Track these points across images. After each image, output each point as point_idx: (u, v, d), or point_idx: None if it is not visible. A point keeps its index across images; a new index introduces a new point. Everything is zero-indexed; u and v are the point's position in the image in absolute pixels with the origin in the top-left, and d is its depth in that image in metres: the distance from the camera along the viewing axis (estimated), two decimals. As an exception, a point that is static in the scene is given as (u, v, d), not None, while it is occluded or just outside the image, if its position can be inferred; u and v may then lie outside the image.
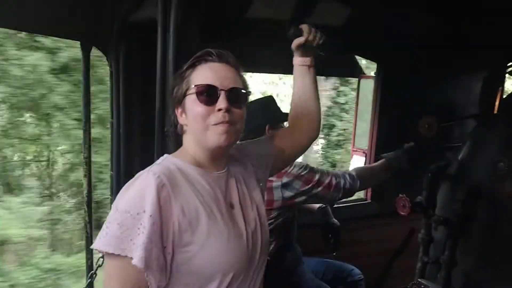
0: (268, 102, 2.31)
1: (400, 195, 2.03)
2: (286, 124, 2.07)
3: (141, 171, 1.19)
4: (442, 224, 2.04)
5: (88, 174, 2.08)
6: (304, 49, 1.52)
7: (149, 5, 1.83)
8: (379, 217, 3.13)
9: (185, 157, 1.26)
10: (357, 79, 3.44)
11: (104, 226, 1.10)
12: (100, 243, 1.08)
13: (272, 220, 2.14)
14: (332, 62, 3.08)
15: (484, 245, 2.01)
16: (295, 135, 1.57)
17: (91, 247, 1.12)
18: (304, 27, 1.49)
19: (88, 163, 2.07)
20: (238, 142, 1.42)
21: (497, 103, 2.37)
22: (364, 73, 3.43)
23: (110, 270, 1.12)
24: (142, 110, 2.02)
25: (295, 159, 1.97)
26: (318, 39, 1.50)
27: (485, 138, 2.14)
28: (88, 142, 2.09)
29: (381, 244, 3.19)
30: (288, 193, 2.12)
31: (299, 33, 1.48)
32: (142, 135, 2.03)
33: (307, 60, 1.54)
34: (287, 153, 1.57)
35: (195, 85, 1.20)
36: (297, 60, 1.55)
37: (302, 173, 2.14)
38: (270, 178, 2.05)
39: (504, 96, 2.68)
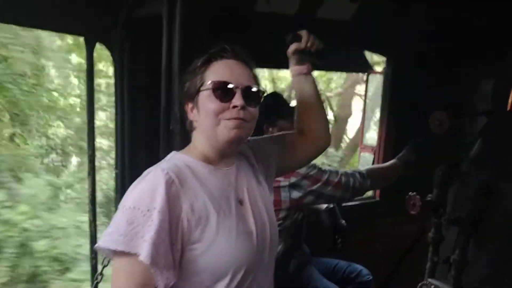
0: (266, 100, 2.28)
1: (410, 193, 1.99)
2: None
3: (149, 169, 1.19)
4: (453, 223, 2.00)
5: (92, 172, 2.06)
6: (300, 56, 1.50)
7: (154, 0, 1.81)
8: (388, 216, 3.09)
9: (194, 154, 1.25)
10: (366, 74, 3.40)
11: (110, 225, 1.09)
12: (108, 241, 1.07)
13: (280, 221, 2.12)
14: (341, 57, 3.07)
15: (496, 244, 1.97)
16: (301, 144, 1.55)
17: (96, 246, 1.11)
18: (303, 33, 1.48)
19: (92, 161, 2.05)
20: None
21: (510, 100, 2.32)
22: (372, 68, 3.38)
23: (118, 268, 1.11)
24: (147, 106, 2.00)
25: (301, 166, 1.96)
26: (317, 46, 1.48)
27: (498, 135, 2.10)
28: (92, 139, 2.07)
29: (390, 244, 3.15)
30: (296, 193, 2.09)
31: (297, 39, 1.47)
32: (147, 132, 2.01)
33: (303, 68, 1.52)
34: (293, 159, 1.56)
35: (211, 81, 1.19)
36: (293, 69, 1.53)
37: (311, 173, 2.11)
38: (278, 178, 2.02)
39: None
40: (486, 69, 3.05)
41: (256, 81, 1.29)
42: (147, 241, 1.05)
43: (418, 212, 2.04)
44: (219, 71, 1.22)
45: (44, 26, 2.20)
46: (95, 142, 2.08)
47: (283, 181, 2.08)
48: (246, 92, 1.21)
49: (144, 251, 1.05)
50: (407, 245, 3.27)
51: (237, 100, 1.18)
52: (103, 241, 1.09)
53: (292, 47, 1.49)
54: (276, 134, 1.62)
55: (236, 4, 2.18)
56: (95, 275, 2.00)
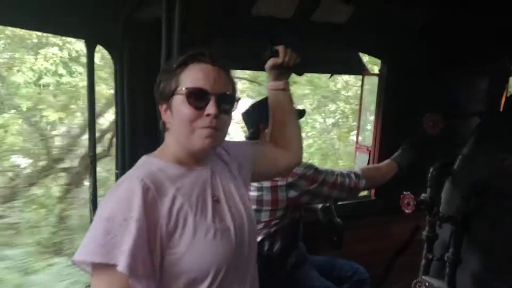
0: (264, 101, 2.31)
1: (405, 192, 2.02)
2: None
3: (123, 177, 1.19)
4: (446, 221, 2.03)
5: (93, 173, 2.08)
6: (279, 70, 1.51)
7: (154, 3, 1.83)
8: (383, 215, 3.13)
9: (166, 156, 1.25)
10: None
11: (87, 236, 1.07)
12: (85, 253, 1.04)
13: (277, 221, 2.15)
14: (336, 60, 3.10)
15: (489, 242, 2.00)
16: (276, 155, 1.56)
17: (73, 259, 1.07)
18: (280, 48, 1.48)
19: (93, 161, 2.08)
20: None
21: (503, 100, 2.36)
22: (368, 70, 3.42)
23: (98, 280, 1.08)
24: (147, 108, 2.02)
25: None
26: (294, 60, 1.49)
27: (490, 135, 2.13)
28: (93, 140, 2.09)
29: (385, 242, 3.19)
30: (293, 193, 2.12)
31: (275, 54, 1.48)
32: (147, 134, 2.03)
33: (281, 84, 1.53)
34: (265, 169, 1.56)
35: (186, 88, 1.18)
36: (271, 84, 1.54)
37: (307, 173, 2.13)
38: (275, 178, 2.05)
39: (510, 94, 2.67)
40: (479, 70, 3.09)
41: (232, 86, 1.28)
42: (125, 251, 1.03)
43: (412, 211, 2.08)
44: (194, 75, 1.20)
45: (45, 29, 2.22)
46: (96, 143, 2.10)
47: (280, 181, 2.11)
48: (221, 99, 1.20)
49: (122, 261, 1.02)
50: (402, 243, 3.30)
51: (210, 108, 1.17)
52: (80, 254, 1.05)
53: (270, 62, 1.49)
54: (252, 141, 1.63)
55: (233, 7, 2.20)
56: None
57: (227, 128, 1.27)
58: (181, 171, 1.23)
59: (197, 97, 1.18)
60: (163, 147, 1.29)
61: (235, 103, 1.28)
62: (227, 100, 1.23)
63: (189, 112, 1.18)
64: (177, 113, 1.20)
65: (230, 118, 1.26)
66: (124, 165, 2.05)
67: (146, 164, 1.23)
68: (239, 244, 1.26)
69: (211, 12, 1.90)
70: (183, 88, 1.18)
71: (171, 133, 1.26)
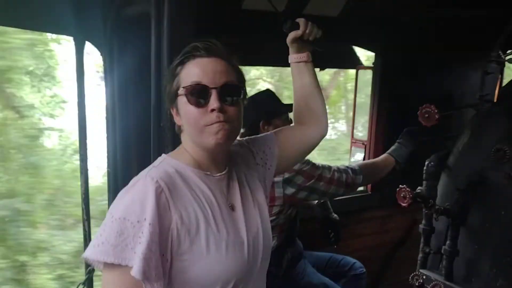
0: (262, 97, 2.28)
1: (401, 186, 2.01)
2: (290, 115, 2.04)
3: (138, 175, 1.15)
4: (442, 214, 2.02)
5: (85, 172, 2.06)
6: (300, 44, 1.46)
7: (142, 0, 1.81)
8: (380, 209, 3.12)
9: (185, 158, 1.21)
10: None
11: (98, 234, 1.06)
12: (97, 252, 1.04)
13: (274, 217, 2.13)
14: (329, 54, 3.08)
15: (485, 234, 2.00)
16: (302, 134, 1.51)
17: (84, 256, 1.07)
18: (301, 20, 1.43)
19: (84, 160, 2.05)
20: (240, 138, 1.38)
21: (496, 91, 2.35)
22: (362, 64, 3.41)
23: (108, 279, 1.08)
24: (137, 105, 1.99)
25: (302, 159, 1.93)
26: (315, 34, 1.44)
27: (485, 127, 2.13)
28: (83, 139, 2.07)
29: (382, 236, 3.19)
30: (290, 189, 2.10)
31: (296, 27, 1.43)
32: (138, 131, 2.01)
33: (303, 56, 1.48)
34: (293, 152, 1.51)
35: (183, 87, 1.14)
36: (293, 57, 1.49)
37: (304, 168, 2.11)
38: None
39: (504, 85, 2.66)
40: (473, 62, 3.09)
41: (236, 74, 1.22)
42: (138, 255, 1.02)
43: (408, 204, 2.06)
44: (191, 72, 1.15)
45: (34, 27, 2.19)
46: (87, 141, 2.07)
47: (277, 177, 2.08)
48: (223, 91, 1.14)
49: (135, 265, 1.02)
50: (398, 237, 3.30)
51: (213, 102, 1.12)
52: (92, 252, 1.05)
53: (291, 35, 1.44)
54: (275, 130, 1.58)
55: (224, 1, 2.18)
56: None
57: (239, 119, 1.20)
58: (198, 176, 1.19)
59: (197, 94, 1.13)
60: (181, 148, 1.25)
61: (242, 90, 1.21)
62: (230, 90, 1.16)
63: (193, 111, 1.13)
64: (183, 114, 1.17)
65: (239, 108, 1.20)
66: (115, 164, 2.03)
67: (164, 164, 1.19)
68: (251, 258, 1.22)
69: (201, 7, 1.87)
70: (182, 88, 1.15)
71: (185, 134, 1.22)
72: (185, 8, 1.66)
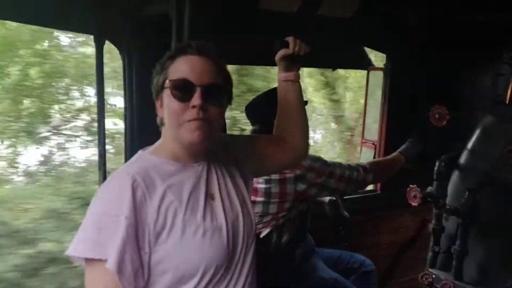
0: (274, 93, 2.31)
1: (411, 185, 2.03)
2: None
3: (115, 172, 1.19)
4: (453, 214, 2.04)
5: (103, 167, 2.11)
6: (288, 62, 1.48)
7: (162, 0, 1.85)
8: (390, 208, 3.14)
9: (163, 152, 1.24)
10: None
11: (80, 231, 1.09)
12: (79, 249, 1.07)
13: (285, 213, 2.16)
14: (341, 54, 3.11)
15: (495, 234, 2.01)
16: (280, 149, 1.52)
17: (67, 253, 1.09)
18: (290, 38, 1.45)
19: (102, 155, 2.10)
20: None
21: (508, 93, 2.36)
22: (373, 65, 3.42)
23: (90, 275, 1.10)
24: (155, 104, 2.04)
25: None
26: (304, 49, 1.46)
27: (496, 128, 2.14)
28: (102, 134, 2.12)
29: (392, 235, 3.20)
30: (301, 186, 2.12)
31: (285, 45, 1.46)
32: (156, 130, 2.04)
33: (291, 75, 1.49)
34: (269, 163, 1.53)
35: (169, 80, 1.17)
36: (281, 75, 1.50)
37: (315, 165, 2.14)
38: (284, 171, 2.06)
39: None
40: (485, 63, 3.09)
41: (223, 76, 1.24)
42: (113, 248, 1.04)
43: (418, 204, 2.08)
44: (179, 68, 1.18)
45: (55, 25, 2.24)
46: (105, 137, 2.12)
47: (288, 173, 2.10)
48: (208, 90, 1.16)
49: (110, 258, 1.04)
50: (408, 236, 3.31)
51: (196, 99, 1.14)
52: (73, 249, 1.07)
53: (280, 53, 1.46)
54: (257, 135, 1.60)
55: (241, 2, 2.21)
56: None
57: (219, 120, 1.24)
58: (175, 168, 1.22)
59: (181, 89, 1.16)
60: (160, 142, 1.28)
61: (226, 94, 1.25)
62: (215, 91, 1.19)
63: (175, 105, 1.16)
64: (166, 107, 1.20)
65: (221, 109, 1.23)
66: None
67: (140, 159, 1.23)
68: (231, 243, 1.24)
69: (218, 8, 1.91)
70: (168, 81, 1.18)
71: (166, 128, 1.24)
72: (205, 9, 1.70)
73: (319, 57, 2.90)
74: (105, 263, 1.05)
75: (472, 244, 2.04)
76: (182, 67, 1.18)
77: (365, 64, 3.41)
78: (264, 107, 2.16)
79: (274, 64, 1.51)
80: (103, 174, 2.11)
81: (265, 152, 1.50)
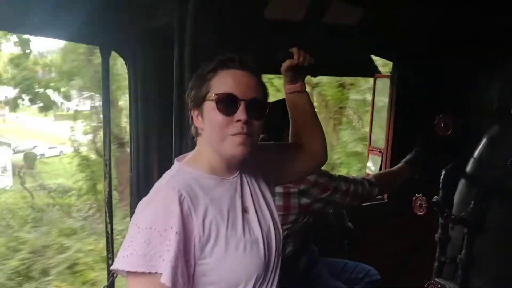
0: (277, 103, 2.30)
1: (417, 195, 2.02)
2: None
3: (157, 185, 1.20)
4: (458, 223, 2.02)
5: (108, 176, 2.12)
6: (294, 73, 1.49)
7: (166, 12, 1.87)
8: (396, 217, 3.11)
9: (199, 164, 1.26)
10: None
11: (125, 245, 1.10)
12: (126, 263, 1.08)
13: (289, 225, 2.15)
14: (348, 62, 3.11)
15: (502, 243, 1.99)
16: (301, 157, 1.54)
17: (113, 267, 1.11)
18: (294, 49, 1.47)
19: (108, 164, 2.12)
20: None
21: (514, 101, 2.34)
22: (380, 72, 3.41)
23: (137, 287, 1.11)
24: (160, 113, 2.06)
25: (298, 179, 1.98)
26: (308, 60, 1.47)
27: (502, 136, 2.12)
28: (108, 144, 2.14)
29: (397, 244, 3.17)
30: (305, 200, 2.12)
31: (289, 56, 1.47)
32: (160, 138, 2.07)
33: (297, 86, 1.51)
34: (291, 170, 1.54)
35: (215, 94, 1.19)
36: (287, 88, 1.52)
37: (320, 181, 2.13)
38: (288, 184, 2.06)
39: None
40: (492, 71, 3.06)
41: (263, 91, 1.28)
42: (166, 263, 1.06)
43: (424, 213, 2.07)
44: (224, 82, 1.20)
45: (62, 37, 2.28)
46: (111, 147, 2.14)
47: (292, 188, 2.10)
48: (251, 105, 1.19)
49: (165, 273, 1.06)
50: (414, 245, 3.28)
51: (241, 114, 1.17)
52: (122, 263, 1.08)
53: (285, 64, 1.47)
54: (279, 143, 1.60)
55: (245, 12, 2.22)
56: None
57: (259, 133, 1.26)
58: (214, 182, 1.24)
59: (227, 103, 1.18)
60: (196, 154, 1.30)
61: (266, 108, 1.26)
62: (257, 106, 1.22)
63: (220, 119, 1.18)
64: (208, 119, 1.21)
65: (260, 124, 1.25)
66: (138, 168, 2.09)
67: (181, 172, 1.24)
68: (267, 254, 1.27)
69: (223, 18, 1.93)
70: (213, 94, 1.19)
71: (204, 139, 1.26)
72: (207, 20, 1.72)
73: (325, 66, 2.92)
74: (154, 276, 1.07)
75: (478, 254, 2.02)
76: (227, 82, 1.20)
77: (372, 72, 3.41)
78: (275, 118, 2.15)
79: (276, 72, 1.52)
80: (109, 183, 2.13)
81: (289, 159, 1.52)
